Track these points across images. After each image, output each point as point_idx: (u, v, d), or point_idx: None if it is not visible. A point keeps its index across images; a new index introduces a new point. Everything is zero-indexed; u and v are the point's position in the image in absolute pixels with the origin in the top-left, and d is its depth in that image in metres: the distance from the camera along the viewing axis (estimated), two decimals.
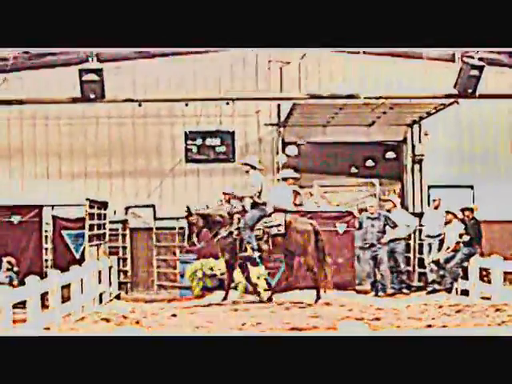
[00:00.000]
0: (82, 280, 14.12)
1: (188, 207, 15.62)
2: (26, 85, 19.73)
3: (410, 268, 19.19)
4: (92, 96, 16.69)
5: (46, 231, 19.03)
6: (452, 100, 17.94)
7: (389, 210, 18.08)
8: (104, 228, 18.83)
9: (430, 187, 20.50)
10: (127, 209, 20.62)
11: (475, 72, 16.72)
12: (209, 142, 20.80)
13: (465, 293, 16.06)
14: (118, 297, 17.37)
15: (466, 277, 16.27)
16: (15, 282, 15.45)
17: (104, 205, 18.91)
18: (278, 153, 20.98)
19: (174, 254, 18.91)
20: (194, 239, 15.54)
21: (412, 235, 18.98)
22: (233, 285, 16.42)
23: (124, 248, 20.03)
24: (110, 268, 17.26)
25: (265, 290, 16.48)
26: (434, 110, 19.38)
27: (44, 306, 11.82)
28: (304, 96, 17.87)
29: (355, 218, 17.75)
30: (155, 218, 20.15)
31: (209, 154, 20.88)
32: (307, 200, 19.15)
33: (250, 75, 20.74)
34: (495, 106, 20.60)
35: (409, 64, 20.68)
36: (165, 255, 18.73)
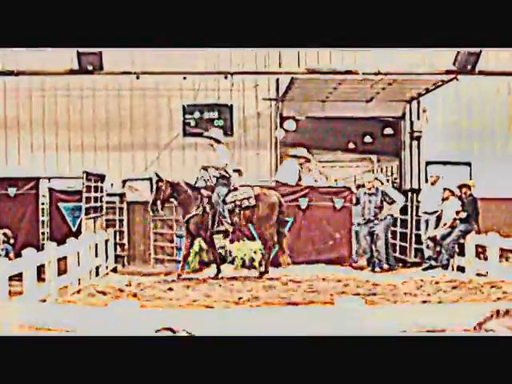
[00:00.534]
0: (78, 253, 14.12)
1: (157, 173, 15.62)
2: (22, 56, 19.61)
3: (407, 244, 19.21)
4: (90, 68, 16.61)
5: (42, 204, 19.01)
6: (451, 76, 17.86)
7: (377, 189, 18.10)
8: (101, 201, 18.79)
9: (427, 164, 20.44)
10: (124, 182, 20.57)
11: (475, 49, 16.64)
12: (207, 115, 20.72)
13: (461, 269, 16.09)
14: (114, 270, 17.38)
15: (462, 253, 16.29)
16: (11, 255, 15.43)
17: (101, 178, 18.87)
18: (276, 127, 20.91)
19: (171, 227, 18.88)
20: (159, 206, 15.39)
21: (409, 211, 18.99)
22: (230, 259, 16.45)
23: (121, 221, 19.99)
24: (107, 241, 17.26)
25: (261, 264, 16.50)
26: (433, 87, 19.29)
27: (40, 278, 11.82)
28: (303, 71, 17.79)
29: (352, 194, 17.74)
30: (152, 192, 20.10)
31: (207, 128, 20.81)
32: (305, 175, 19.10)
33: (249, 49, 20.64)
34: (494, 84, 20.55)
35: None
36: (162, 229, 18.69)
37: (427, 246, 17.36)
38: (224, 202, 15.30)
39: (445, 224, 16.80)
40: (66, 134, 20.71)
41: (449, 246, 16.37)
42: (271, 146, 20.54)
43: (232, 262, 16.42)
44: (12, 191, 18.28)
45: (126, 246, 19.73)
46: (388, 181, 23.52)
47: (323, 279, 15.16)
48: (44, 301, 11.44)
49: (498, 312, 2.86)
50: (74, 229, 18.28)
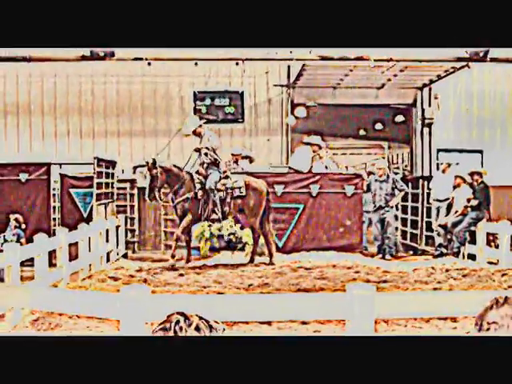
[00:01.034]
0: (89, 238, 14.16)
1: (154, 159, 15.15)
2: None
3: (418, 232, 19.21)
4: (101, 54, 16.61)
5: (53, 189, 19.05)
6: (463, 63, 17.80)
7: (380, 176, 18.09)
8: (112, 187, 18.84)
9: (439, 151, 20.42)
10: (135, 168, 20.59)
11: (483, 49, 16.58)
12: (218, 102, 20.73)
13: (472, 257, 16.06)
14: (125, 256, 17.42)
15: (473, 241, 16.26)
16: (23, 240, 15.47)
17: (112, 164, 18.90)
18: (287, 114, 20.90)
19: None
20: (156, 194, 15.09)
21: (420, 199, 19.00)
22: (240, 245, 16.46)
23: (132, 207, 20.04)
24: (118, 227, 17.29)
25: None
26: (444, 74, 19.23)
27: (51, 264, 11.86)
28: (314, 57, 17.73)
29: (363, 181, 17.72)
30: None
31: (218, 115, 20.81)
32: (316, 162, 19.08)
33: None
34: (506, 71, 20.47)
35: None
36: (172, 215, 18.71)
37: (438, 234, 17.35)
38: (217, 189, 15.22)
39: (456, 211, 16.77)
40: (78, 121, 20.75)
41: (460, 234, 16.34)
42: (282, 132, 20.52)
43: (242, 249, 16.43)
44: (23, 177, 18.31)
45: (137, 232, 19.78)
46: (389, 167, 23.52)
47: (334, 266, 15.17)
48: (55, 286, 11.49)
49: (497, 301, 2.85)
50: (85, 214, 18.32)
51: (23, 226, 16.25)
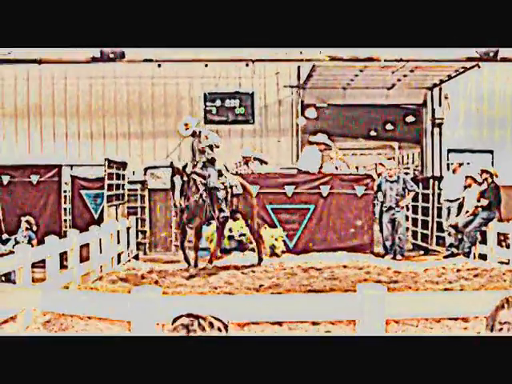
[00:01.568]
0: (100, 240, 14.18)
1: (186, 163, 14.69)
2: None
3: (429, 232, 19.21)
4: (112, 56, 16.64)
5: (64, 191, 19.11)
6: (473, 63, 17.75)
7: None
8: (123, 188, 18.88)
9: (449, 151, 20.37)
10: (146, 169, 20.64)
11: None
12: (228, 103, 20.73)
13: (483, 257, 16.03)
14: (136, 257, 17.45)
15: (484, 241, 16.23)
16: (34, 242, 15.52)
17: (123, 165, 18.95)
18: (297, 115, 20.90)
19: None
20: (179, 199, 14.19)
21: (431, 199, 19.00)
22: (251, 246, 16.44)
23: (142, 208, 20.09)
24: (129, 228, 17.31)
25: (282, 251, 16.52)
26: (454, 74, 19.19)
27: (62, 266, 11.88)
28: (324, 58, 17.71)
29: (374, 181, 17.70)
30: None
31: (228, 116, 20.82)
32: (326, 163, 19.07)
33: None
34: None
35: None
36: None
37: (449, 234, 17.33)
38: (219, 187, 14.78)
39: (467, 211, 16.73)
40: (88, 122, 20.80)
41: (470, 234, 16.30)
42: (292, 133, 20.52)
43: (253, 250, 16.41)
44: (34, 179, 18.38)
45: (148, 234, 19.82)
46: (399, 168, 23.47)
47: (344, 267, 15.15)
48: (67, 287, 11.51)
49: (507, 301, 2.83)
50: (96, 216, 18.38)
51: (34, 228, 16.30)
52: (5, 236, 16.26)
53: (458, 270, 14.23)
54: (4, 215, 17.33)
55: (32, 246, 13.90)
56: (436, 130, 21.38)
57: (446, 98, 21.13)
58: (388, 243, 17.53)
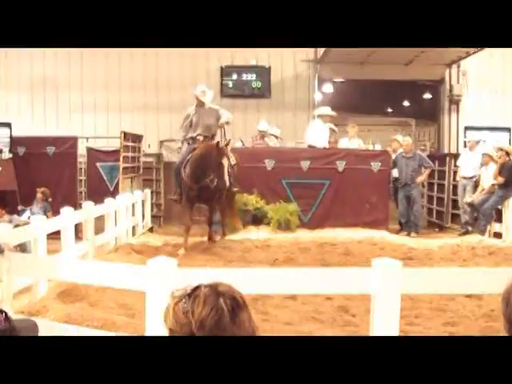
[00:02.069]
0: (115, 212, 14.21)
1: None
2: None
3: (444, 209, 19.16)
4: None
5: (80, 163, 19.14)
6: None
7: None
8: (138, 161, 18.89)
9: (466, 128, 20.27)
10: (162, 142, 20.66)
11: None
12: (244, 77, 20.69)
13: (498, 235, 15.97)
14: (151, 230, 17.47)
15: (499, 219, 16.17)
16: (49, 213, 15.56)
17: (139, 138, 18.95)
18: (314, 89, 20.83)
19: None
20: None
21: (447, 176, 18.95)
22: (266, 220, 16.45)
23: (158, 181, 20.12)
24: (144, 201, 17.33)
25: (297, 226, 16.51)
26: (473, 50, 19.03)
27: (77, 237, 11.91)
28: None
29: (390, 157, 17.63)
30: None
31: (244, 90, 20.79)
32: (342, 138, 19.00)
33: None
34: None
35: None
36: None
37: (464, 212, 17.27)
38: None
39: (483, 189, 16.66)
40: (104, 95, 20.79)
41: (486, 212, 16.23)
42: (309, 108, 20.45)
43: (268, 224, 16.42)
44: (51, 150, 18.41)
45: (163, 207, 19.86)
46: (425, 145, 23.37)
47: (359, 242, 15.15)
48: (82, 258, 11.55)
49: None
50: (111, 188, 18.40)
51: (50, 199, 16.35)
52: (20, 207, 16.30)
53: (473, 248, 14.19)
54: (19, 186, 17.36)
55: (47, 217, 13.94)
56: (453, 107, 21.27)
57: (464, 75, 21.00)
58: (403, 220, 17.52)
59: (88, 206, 12.75)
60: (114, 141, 18.36)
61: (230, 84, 20.67)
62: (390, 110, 27.24)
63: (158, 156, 20.37)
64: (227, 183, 13.62)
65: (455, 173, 18.36)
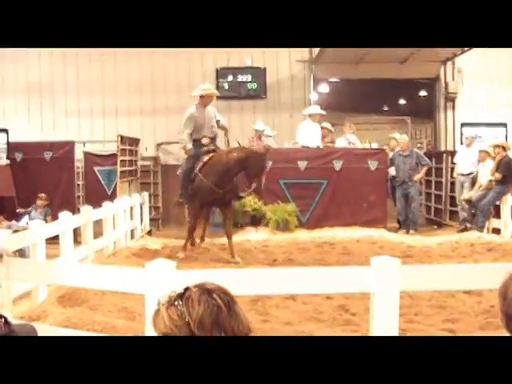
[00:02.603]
0: (113, 216, 14.21)
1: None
2: None
3: (442, 206, 19.18)
4: None
5: (77, 167, 19.15)
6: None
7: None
8: (135, 164, 18.90)
9: (462, 125, 20.28)
10: (158, 145, 20.66)
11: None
12: (240, 78, 20.69)
13: (496, 231, 15.99)
14: (149, 233, 17.48)
15: (497, 215, 16.18)
16: (49, 217, 15.59)
17: (135, 141, 18.96)
18: (309, 90, 20.84)
19: None
20: None
21: (444, 173, 18.97)
22: (264, 221, 16.45)
23: (155, 184, 20.13)
24: (142, 204, 17.33)
25: (295, 226, 16.50)
26: (468, 47, 19.03)
27: (76, 242, 11.91)
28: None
29: (387, 156, 17.66)
30: None
31: (240, 91, 20.79)
32: (339, 137, 19.02)
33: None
34: None
35: None
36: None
37: (462, 208, 17.28)
38: None
39: (480, 186, 16.68)
40: (101, 99, 20.77)
41: (484, 208, 16.25)
42: (305, 107, 20.41)
43: (266, 225, 16.42)
44: (48, 155, 18.42)
45: (161, 209, 19.86)
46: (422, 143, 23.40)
47: (357, 241, 15.17)
48: (81, 263, 11.54)
49: None
50: (109, 192, 18.40)
51: (46, 202, 16.41)
52: (19, 210, 16.34)
53: (472, 245, 14.22)
54: (17, 192, 17.36)
55: (47, 221, 13.96)
56: (449, 104, 21.29)
57: (459, 72, 21.02)
58: (401, 218, 17.54)
59: (86, 210, 12.74)
60: (110, 145, 18.38)
61: (226, 85, 20.67)
62: (385, 108, 27.35)
63: (155, 159, 20.38)
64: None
65: (452, 170, 18.37)
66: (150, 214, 18.70)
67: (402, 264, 6.10)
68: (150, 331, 2.60)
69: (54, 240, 10.78)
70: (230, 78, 20.70)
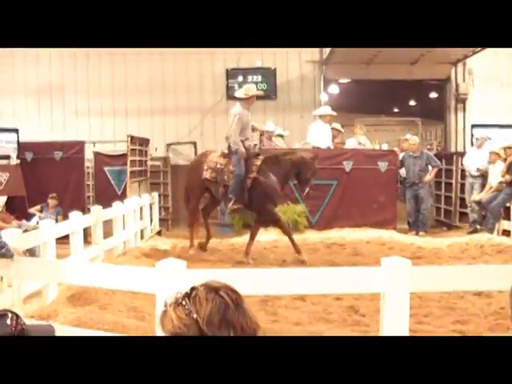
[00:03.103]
0: (123, 216, 14.23)
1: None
2: None
3: (452, 208, 19.15)
4: None
5: (87, 167, 19.19)
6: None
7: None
8: (145, 165, 18.93)
9: (473, 126, 20.23)
10: (168, 146, 20.68)
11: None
12: (250, 79, 20.68)
13: (506, 233, 15.94)
14: (159, 233, 17.49)
15: (508, 217, 16.14)
16: (60, 216, 15.65)
17: (145, 141, 18.98)
18: (319, 91, 20.82)
19: None
20: None
21: (454, 175, 18.95)
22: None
23: (165, 185, 20.15)
24: (152, 204, 17.35)
25: (305, 226, 16.49)
26: (479, 48, 18.99)
27: (86, 241, 11.93)
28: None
29: (397, 157, 17.63)
30: (196, 155, 20.12)
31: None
32: (349, 138, 19.01)
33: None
34: None
35: None
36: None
37: (472, 210, 17.24)
38: None
39: (490, 187, 16.64)
40: (111, 99, 20.80)
41: (494, 210, 16.21)
42: (315, 108, 20.41)
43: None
44: (58, 155, 18.47)
45: (171, 210, 19.88)
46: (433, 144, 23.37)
47: (367, 242, 15.15)
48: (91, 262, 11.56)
49: None
50: (119, 192, 18.43)
51: (55, 202, 16.47)
52: (31, 210, 16.40)
53: (482, 246, 14.18)
54: (28, 192, 17.41)
55: (57, 220, 14.01)
56: (460, 105, 21.24)
57: (470, 73, 20.97)
58: (411, 219, 17.51)
59: (96, 210, 12.76)
60: (121, 145, 18.41)
61: (236, 86, 20.64)
62: (396, 109, 27.29)
63: (165, 159, 20.41)
64: None
65: (463, 171, 18.34)
66: (160, 214, 18.74)
67: (412, 265, 6.10)
68: (160, 331, 2.60)
69: (64, 240, 10.80)
70: (240, 78, 20.68)
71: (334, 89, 21.97)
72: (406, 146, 18.19)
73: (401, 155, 17.82)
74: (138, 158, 18.05)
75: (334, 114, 17.73)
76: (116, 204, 14.10)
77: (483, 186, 17.12)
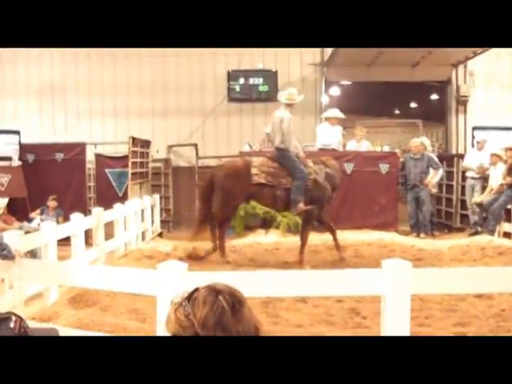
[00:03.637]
0: (125, 218, 14.24)
1: None
2: None
3: (453, 210, 19.14)
4: None
5: (89, 169, 19.19)
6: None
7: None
8: (147, 166, 18.93)
9: (474, 128, 20.23)
10: (170, 147, 20.68)
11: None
12: (251, 81, 20.69)
13: (507, 235, 15.94)
14: (160, 235, 17.50)
15: (508, 219, 16.14)
16: (60, 219, 15.64)
17: (147, 143, 18.99)
18: (320, 93, 20.82)
19: None
20: None
21: (455, 177, 18.93)
22: (275, 224, 16.42)
23: (166, 186, 20.15)
24: (153, 206, 17.36)
25: None
26: (480, 50, 18.99)
27: (87, 243, 11.93)
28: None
29: (398, 159, 17.62)
30: (197, 157, 20.15)
31: (251, 94, 20.78)
32: (350, 141, 19.00)
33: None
34: None
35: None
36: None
37: (473, 212, 17.24)
38: None
39: (491, 189, 16.63)
40: (112, 100, 20.80)
41: (495, 212, 16.20)
42: (316, 111, 20.44)
43: (277, 227, 16.40)
44: (60, 157, 18.48)
45: (172, 212, 19.88)
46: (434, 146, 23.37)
47: (369, 244, 15.14)
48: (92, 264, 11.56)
49: None
50: (120, 194, 18.43)
51: (56, 203, 16.47)
52: (32, 215, 16.38)
53: (483, 248, 14.17)
54: (29, 193, 17.43)
55: (58, 222, 14.02)
56: (461, 107, 21.24)
57: (471, 75, 20.97)
58: (412, 221, 17.50)
59: (97, 212, 12.77)
60: (122, 146, 18.40)
61: (237, 88, 20.67)
62: (397, 111, 27.30)
63: (167, 161, 20.40)
64: None
65: (463, 173, 18.33)
66: (161, 216, 18.75)
67: (413, 267, 6.10)
68: (160, 333, 2.61)
69: (65, 241, 10.81)
70: (242, 80, 20.69)
71: (336, 91, 21.99)
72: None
73: (402, 157, 17.80)
74: (139, 160, 18.06)
75: (343, 116, 17.72)
76: (117, 206, 14.10)
77: (484, 188, 17.12)
